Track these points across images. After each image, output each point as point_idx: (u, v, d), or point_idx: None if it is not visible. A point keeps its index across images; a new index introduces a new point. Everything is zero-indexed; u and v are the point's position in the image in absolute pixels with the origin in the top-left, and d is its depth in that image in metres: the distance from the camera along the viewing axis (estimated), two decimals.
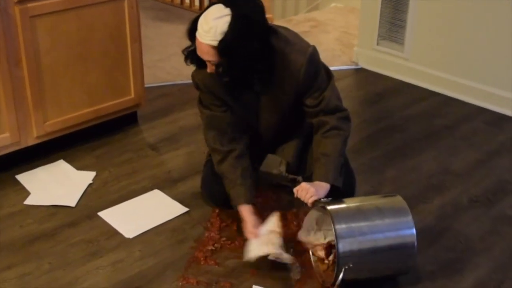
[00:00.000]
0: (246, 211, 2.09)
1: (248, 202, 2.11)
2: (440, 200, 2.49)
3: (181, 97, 3.41)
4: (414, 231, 1.91)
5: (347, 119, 2.12)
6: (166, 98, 3.41)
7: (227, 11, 1.86)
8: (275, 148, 2.37)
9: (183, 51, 2.05)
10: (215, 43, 1.86)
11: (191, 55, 2.02)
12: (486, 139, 3.02)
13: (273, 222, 2.07)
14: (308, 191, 1.96)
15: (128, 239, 2.22)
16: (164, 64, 3.86)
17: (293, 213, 2.32)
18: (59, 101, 2.68)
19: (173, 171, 2.68)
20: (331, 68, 2.17)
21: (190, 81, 2.21)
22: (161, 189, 2.53)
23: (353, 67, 3.92)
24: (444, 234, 2.29)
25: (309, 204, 1.97)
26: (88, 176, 2.63)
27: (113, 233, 2.26)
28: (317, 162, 2.08)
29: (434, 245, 2.22)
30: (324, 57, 3.80)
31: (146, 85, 3.08)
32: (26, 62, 2.49)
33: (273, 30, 2.02)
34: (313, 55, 2.03)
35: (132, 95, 2.95)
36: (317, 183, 2.02)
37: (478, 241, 2.24)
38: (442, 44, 3.48)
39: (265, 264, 2.07)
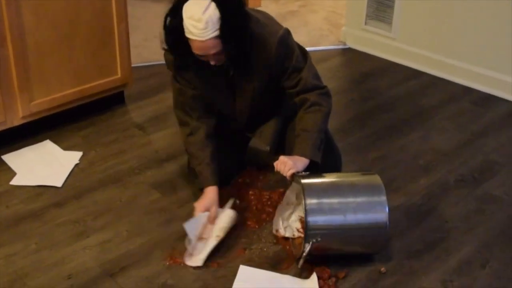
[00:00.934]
0: (213, 192, 2.12)
1: (216, 184, 2.14)
2: (426, 180, 2.50)
3: (168, 76, 3.36)
4: (386, 211, 1.91)
5: (327, 95, 2.13)
6: (153, 78, 3.39)
7: (206, 1, 1.84)
8: (253, 130, 2.37)
9: (174, 64, 2.09)
10: (217, 32, 1.85)
11: (181, 62, 2.04)
12: (473, 119, 3.04)
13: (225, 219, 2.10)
14: (286, 164, 1.98)
15: (115, 219, 2.22)
16: (151, 43, 3.82)
17: (280, 192, 2.32)
18: (45, 81, 2.65)
19: (160, 151, 2.67)
20: (319, 48, 2.17)
21: None
22: (149, 169, 2.52)
23: (340, 46, 3.90)
24: (430, 213, 2.30)
25: (287, 177, 1.99)
26: (74, 156, 2.62)
27: (100, 213, 2.25)
28: (297, 137, 2.09)
29: (420, 224, 2.24)
30: (312, 36, 3.80)
31: (133, 65, 3.04)
32: (11, 41, 2.45)
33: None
34: (283, 37, 2.04)
35: (119, 75, 2.92)
36: (296, 157, 2.03)
37: (464, 221, 2.26)
38: (430, 24, 3.47)
39: (252, 244, 2.10)
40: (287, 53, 2.04)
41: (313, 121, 2.06)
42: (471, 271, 2.00)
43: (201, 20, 1.81)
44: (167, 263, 1.99)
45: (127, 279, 1.92)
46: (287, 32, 2.06)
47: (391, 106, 3.16)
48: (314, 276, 1.88)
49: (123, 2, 2.81)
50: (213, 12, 1.82)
